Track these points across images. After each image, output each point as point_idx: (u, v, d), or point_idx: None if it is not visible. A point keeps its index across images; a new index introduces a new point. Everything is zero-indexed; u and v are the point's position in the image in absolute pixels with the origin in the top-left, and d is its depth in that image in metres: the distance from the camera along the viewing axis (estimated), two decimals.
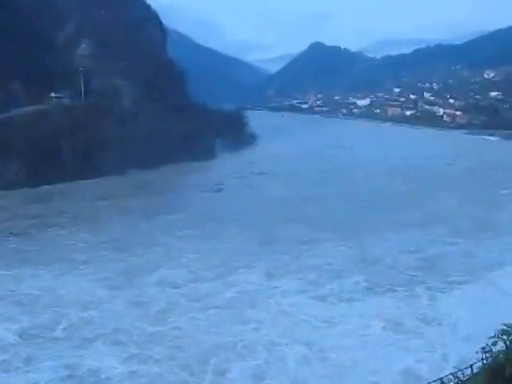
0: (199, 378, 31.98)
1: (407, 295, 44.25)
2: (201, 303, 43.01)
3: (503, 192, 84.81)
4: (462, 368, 8.72)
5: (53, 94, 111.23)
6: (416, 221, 67.35)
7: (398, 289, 45.52)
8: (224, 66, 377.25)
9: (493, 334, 7.73)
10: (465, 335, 32.65)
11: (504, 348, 7.55)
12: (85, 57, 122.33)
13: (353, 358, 33.59)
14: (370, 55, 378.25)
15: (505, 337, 7.56)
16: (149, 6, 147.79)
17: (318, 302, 42.92)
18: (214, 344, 35.76)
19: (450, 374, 9.20)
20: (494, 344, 7.63)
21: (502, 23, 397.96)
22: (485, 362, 7.90)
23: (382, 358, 33.47)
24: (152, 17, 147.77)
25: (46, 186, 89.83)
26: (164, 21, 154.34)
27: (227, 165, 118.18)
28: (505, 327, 7.62)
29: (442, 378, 15.04)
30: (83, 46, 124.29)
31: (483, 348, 7.82)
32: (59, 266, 52.21)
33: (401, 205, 78.19)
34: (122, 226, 67.81)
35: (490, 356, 7.70)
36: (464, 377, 10.01)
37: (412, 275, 48.71)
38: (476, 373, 8.27)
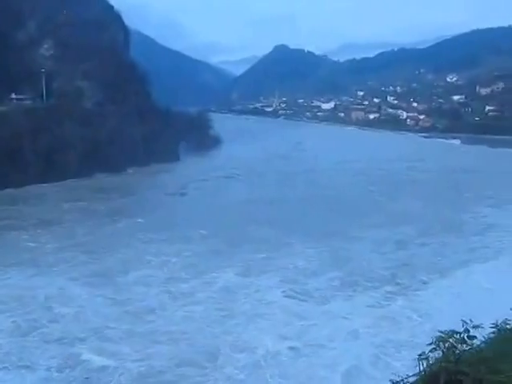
0: (201, 371, 32.00)
1: (385, 292, 45.16)
2: (184, 301, 42.79)
3: (466, 195, 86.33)
4: (403, 377, 8.59)
5: (13, 96, 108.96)
6: (383, 223, 68.21)
7: (376, 287, 46.37)
8: (188, 68, 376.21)
9: (430, 341, 7.72)
10: (443, 326, 33.23)
11: (440, 355, 7.58)
12: (47, 58, 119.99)
13: (344, 348, 34.63)
14: (335, 58, 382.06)
15: (441, 344, 7.58)
16: (112, 7, 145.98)
17: (300, 300, 43.24)
18: (208, 338, 35.78)
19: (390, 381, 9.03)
20: (432, 351, 7.60)
21: (464, 27, 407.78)
22: (421, 369, 7.84)
23: (368, 348, 34.62)
24: (115, 18, 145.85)
25: (10, 190, 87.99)
26: (127, 21, 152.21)
27: (192, 168, 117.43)
28: (442, 334, 7.60)
29: None
30: (45, 46, 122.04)
31: (420, 355, 7.77)
32: (29, 268, 50.98)
33: (366, 207, 79.12)
34: (87, 228, 66.71)
35: (427, 364, 7.67)
36: None
37: (386, 274, 49.58)
38: (413, 382, 8.17)
